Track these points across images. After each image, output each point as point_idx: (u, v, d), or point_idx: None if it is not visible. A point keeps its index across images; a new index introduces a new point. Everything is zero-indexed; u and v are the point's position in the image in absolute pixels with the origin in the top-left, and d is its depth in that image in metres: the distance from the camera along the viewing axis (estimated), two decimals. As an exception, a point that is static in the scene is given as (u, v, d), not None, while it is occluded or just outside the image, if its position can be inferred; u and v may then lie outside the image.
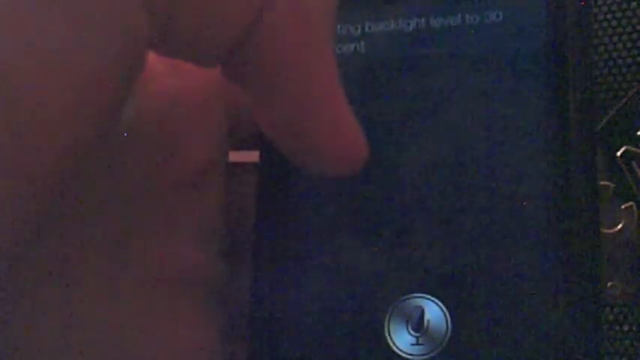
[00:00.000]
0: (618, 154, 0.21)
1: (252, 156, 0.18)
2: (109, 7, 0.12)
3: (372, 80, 0.17)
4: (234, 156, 0.18)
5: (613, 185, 0.21)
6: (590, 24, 0.16)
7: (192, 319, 0.16)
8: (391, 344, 0.16)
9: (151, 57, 0.14)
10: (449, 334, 0.16)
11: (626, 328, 0.20)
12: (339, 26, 0.18)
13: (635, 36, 0.21)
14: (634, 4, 0.21)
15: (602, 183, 0.21)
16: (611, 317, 0.20)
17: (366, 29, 0.18)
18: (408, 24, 0.17)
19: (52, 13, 0.11)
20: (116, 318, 0.15)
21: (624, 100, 0.21)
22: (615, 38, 0.21)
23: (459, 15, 0.17)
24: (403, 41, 0.17)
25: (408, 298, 0.16)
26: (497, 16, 0.17)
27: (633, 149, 0.21)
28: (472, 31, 0.17)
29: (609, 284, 0.20)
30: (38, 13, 0.11)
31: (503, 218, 0.16)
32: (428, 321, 0.16)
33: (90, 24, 0.12)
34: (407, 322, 0.16)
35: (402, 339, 0.16)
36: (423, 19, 0.17)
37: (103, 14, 0.12)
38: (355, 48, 0.18)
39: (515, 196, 0.16)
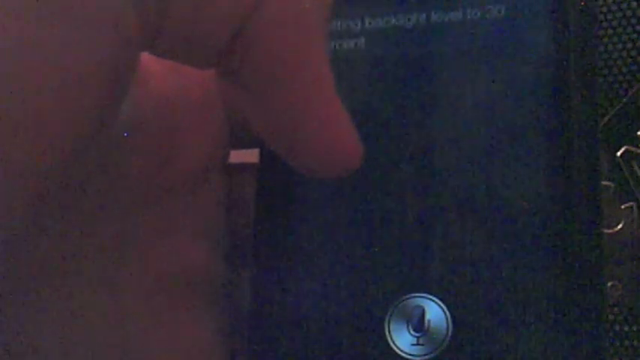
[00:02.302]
0: (618, 154, 0.21)
1: (252, 155, 0.18)
2: (98, 8, 0.12)
3: (371, 77, 0.17)
4: (234, 155, 0.18)
5: (613, 185, 0.21)
6: (593, 19, 0.16)
7: (192, 319, 0.16)
8: (392, 344, 0.16)
9: (150, 57, 0.14)
10: (450, 334, 0.16)
11: (626, 328, 0.20)
12: (338, 22, 0.18)
13: (635, 36, 0.21)
14: (634, 4, 0.21)
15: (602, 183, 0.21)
16: (611, 317, 0.20)
17: (366, 25, 0.18)
18: (409, 19, 0.17)
19: (42, 15, 0.12)
20: (116, 318, 0.15)
21: (624, 100, 0.21)
22: (615, 38, 0.21)
23: (460, 10, 0.17)
24: (403, 37, 0.17)
25: (409, 298, 0.16)
26: (499, 11, 0.17)
27: (633, 149, 0.21)
28: (473, 27, 0.17)
29: (609, 284, 0.20)
30: (28, 14, 0.11)
31: (505, 217, 0.16)
32: (429, 321, 0.16)
33: (80, 25, 0.12)
34: (407, 322, 0.16)
35: (402, 339, 0.16)
36: (423, 15, 0.17)
37: (92, 15, 0.12)
38: (355, 44, 0.17)
39: (517, 195, 0.16)
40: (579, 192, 0.16)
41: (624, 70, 0.21)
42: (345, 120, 0.14)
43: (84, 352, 0.15)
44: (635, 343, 0.20)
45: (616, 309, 0.20)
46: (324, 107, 0.14)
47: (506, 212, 0.16)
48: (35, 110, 0.11)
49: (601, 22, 0.21)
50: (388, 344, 0.16)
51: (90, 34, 0.12)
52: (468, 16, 0.17)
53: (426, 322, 0.16)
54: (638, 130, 0.21)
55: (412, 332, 0.16)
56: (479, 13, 0.17)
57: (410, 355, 0.16)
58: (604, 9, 0.21)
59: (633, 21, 0.21)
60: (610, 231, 0.21)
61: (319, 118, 0.14)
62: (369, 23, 0.17)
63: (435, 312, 0.16)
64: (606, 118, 0.21)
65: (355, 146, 0.14)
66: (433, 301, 0.16)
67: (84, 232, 0.15)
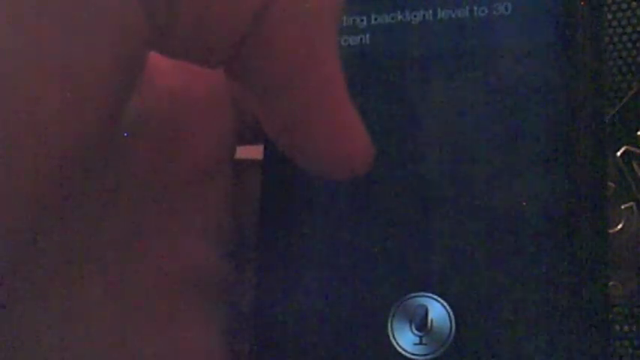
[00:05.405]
0: (618, 154, 0.21)
1: (258, 151, 0.18)
2: (105, 8, 0.12)
3: (377, 73, 0.17)
4: (240, 151, 0.18)
5: (613, 185, 0.21)
6: (601, 18, 0.16)
7: (196, 318, 0.16)
8: (394, 344, 0.16)
9: (156, 54, 0.14)
10: (453, 333, 0.16)
11: (626, 328, 0.20)
12: (344, 18, 0.17)
13: (635, 36, 0.21)
14: (634, 4, 0.21)
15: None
16: (611, 317, 0.20)
17: (372, 21, 0.17)
18: (415, 16, 0.17)
19: (48, 15, 0.11)
20: (119, 317, 0.15)
21: (624, 100, 0.21)
22: (615, 38, 0.21)
23: (467, 7, 0.17)
24: (409, 34, 0.17)
25: (412, 297, 0.16)
26: (506, 8, 0.17)
27: (633, 149, 0.21)
28: (480, 24, 0.17)
29: (609, 284, 0.20)
30: (35, 15, 0.11)
31: (508, 217, 0.16)
32: (431, 320, 0.16)
33: (86, 25, 0.12)
34: (410, 321, 0.16)
35: (405, 338, 0.16)
36: (430, 11, 0.17)
37: (99, 15, 0.12)
38: (361, 40, 0.17)
39: (522, 195, 0.16)
40: (584, 192, 0.16)
41: (624, 70, 0.21)
42: (357, 121, 0.14)
43: (86, 352, 0.14)
44: (635, 343, 0.20)
45: (616, 309, 0.20)
46: (336, 108, 0.14)
47: (510, 212, 0.16)
48: (40, 110, 0.11)
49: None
50: (391, 343, 0.16)
51: (95, 33, 0.12)
52: (475, 13, 0.17)
53: (428, 321, 0.16)
54: (638, 130, 0.21)
55: (415, 331, 0.16)
56: (485, 10, 0.17)
57: (412, 354, 0.16)
58: (604, 9, 0.21)
59: (633, 21, 0.21)
60: (610, 231, 0.21)
61: (330, 120, 0.14)
62: (375, 19, 0.17)
63: (437, 311, 0.16)
64: (606, 118, 0.21)
65: (367, 148, 0.14)
66: (436, 300, 0.16)
67: (88, 230, 0.15)
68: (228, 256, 0.17)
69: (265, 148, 0.17)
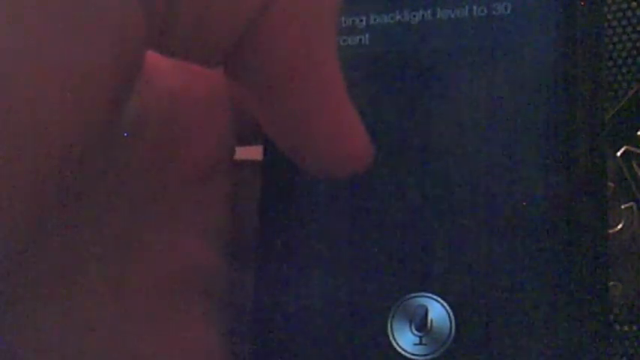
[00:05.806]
0: (618, 154, 0.21)
1: (257, 152, 0.18)
2: (105, 8, 0.12)
3: (376, 73, 0.17)
4: (240, 152, 0.18)
5: (613, 185, 0.21)
6: (600, 18, 0.16)
7: (196, 318, 0.16)
8: (394, 344, 0.16)
9: (155, 54, 0.14)
10: (452, 333, 0.16)
11: (626, 328, 0.20)
12: (343, 18, 0.17)
13: (634, 36, 0.21)
14: (634, 4, 0.21)
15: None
16: (611, 317, 0.20)
17: (371, 21, 0.17)
18: (414, 16, 0.17)
19: (48, 15, 0.11)
20: (119, 317, 0.15)
21: (624, 100, 0.21)
22: (615, 38, 0.21)
23: (466, 7, 0.17)
24: (408, 34, 0.17)
25: (412, 297, 0.16)
26: (505, 8, 0.17)
27: (633, 149, 0.21)
28: (479, 24, 0.17)
29: (609, 284, 0.20)
30: (35, 15, 0.11)
31: (508, 217, 0.16)
32: (431, 320, 0.16)
33: (86, 25, 0.12)
34: (410, 321, 0.16)
35: (405, 338, 0.16)
36: (429, 11, 0.17)
37: (99, 15, 0.12)
38: (360, 40, 0.17)
39: (522, 195, 0.16)
40: (584, 192, 0.16)
41: (624, 70, 0.21)
42: (356, 121, 0.14)
43: (86, 352, 0.14)
44: (635, 343, 0.20)
45: (616, 309, 0.20)
46: (335, 108, 0.14)
47: (510, 212, 0.16)
48: (39, 111, 0.11)
49: (601, 22, 0.21)
50: (391, 343, 0.16)
51: (95, 32, 0.12)
52: (474, 13, 0.17)
53: (428, 321, 0.16)
54: (638, 130, 0.21)
55: (415, 332, 0.16)
56: (485, 10, 0.17)
57: (412, 354, 0.16)
58: (604, 9, 0.21)
59: (633, 21, 0.21)
60: (610, 231, 0.21)
61: (329, 120, 0.14)
62: (374, 20, 0.17)
63: (437, 311, 0.16)
64: (606, 118, 0.21)
65: (366, 148, 0.14)
66: (436, 300, 0.16)
67: (88, 230, 0.15)
68: (228, 256, 0.17)
69: (265, 148, 0.17)
